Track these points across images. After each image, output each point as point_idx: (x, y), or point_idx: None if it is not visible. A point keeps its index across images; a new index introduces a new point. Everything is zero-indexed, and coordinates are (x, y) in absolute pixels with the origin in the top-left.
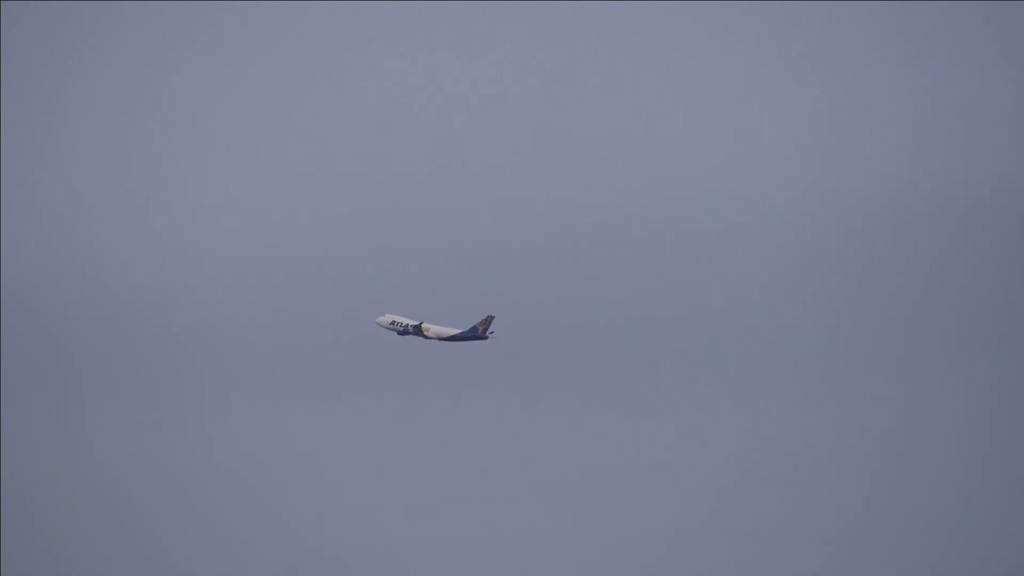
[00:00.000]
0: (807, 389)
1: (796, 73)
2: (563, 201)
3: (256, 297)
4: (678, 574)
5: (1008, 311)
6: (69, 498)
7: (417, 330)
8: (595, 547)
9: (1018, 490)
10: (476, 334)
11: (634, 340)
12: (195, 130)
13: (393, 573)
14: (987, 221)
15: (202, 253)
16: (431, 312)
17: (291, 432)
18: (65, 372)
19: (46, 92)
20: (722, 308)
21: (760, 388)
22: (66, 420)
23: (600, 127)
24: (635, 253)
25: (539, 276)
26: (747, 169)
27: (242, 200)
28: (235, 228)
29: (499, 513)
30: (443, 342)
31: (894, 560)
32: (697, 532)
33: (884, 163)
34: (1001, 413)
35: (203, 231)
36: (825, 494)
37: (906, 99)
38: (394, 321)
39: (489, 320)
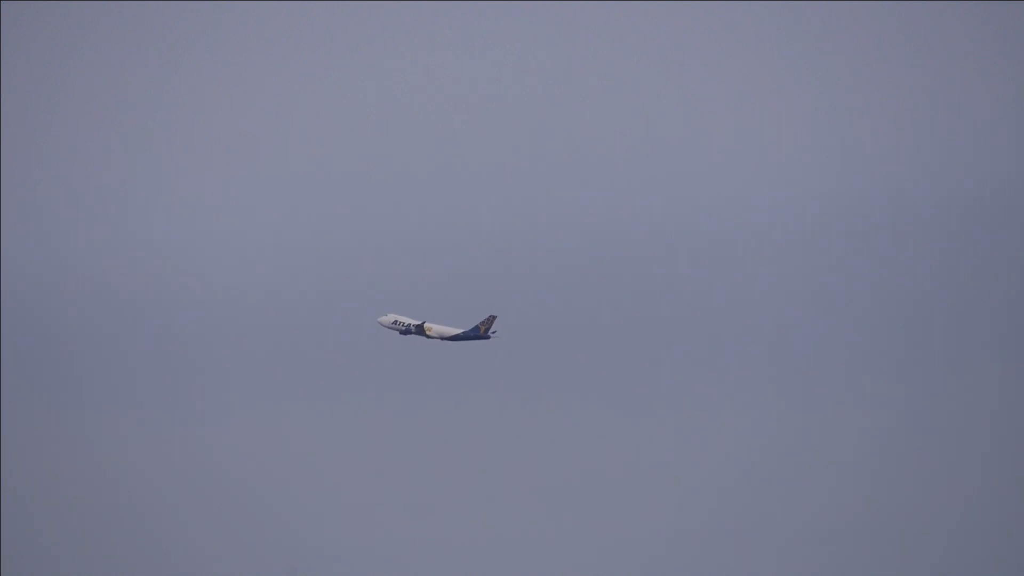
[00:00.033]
0: (808, 389)
1: (796, 73)
2: (564, 201)
3: (257, 297)
4: (678, 574)
5: (1008, 311)
6: (69, 498)
7: (419, 330)
8: (596, 547)
9: (1018, 490)
10: (478, 334)
11: (635, 340)
12: (195, 130)
13: (393, 573)
14: (987, 221)
15: (202, 253)
16: (433, 312)
17: (292, 432)
18: (65, 372)
19: (46, 92)
20: (723, 308)
21: (761, 388)
22: (66, 420)
23: (600, 127)
24: (636, 253)
25: (540, 276)
26: (747, 169)
27: (242, 200)
28: (235, 228)
29: (500, 513)
30: (445, 342)
31: (894, 560)
32: (698, 532)
33: (884, 163)
34: (1001, 413)
35: (203, 231)
36: (825, 494)
37: (906, 99)
38: (396, 321)
39: (491, 320)
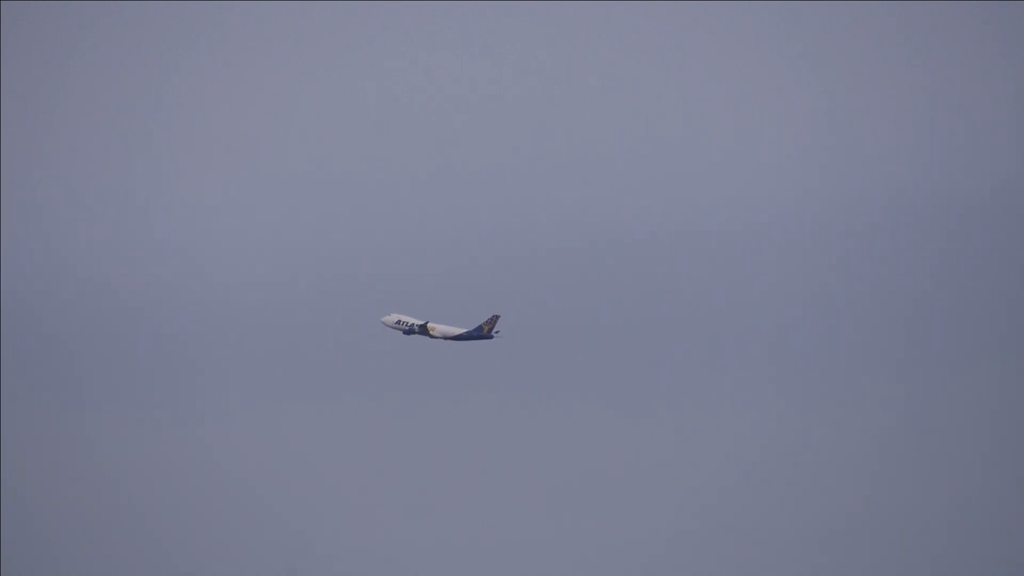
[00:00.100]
0: (808, 389)
1: (796, 73)
2: (564, 201)
3: (257, 297)
4: (678, 574)
5: (1008, 311)
6: (69, 498)
7: (423, 329)
8: (596, 547)
9: (1018, 490)
10: (481, 333)
11: (637, 340)
12: (195, 130)
13: (393, 573)
14: (987, 221)
15: (202, 253)
16: (436, 311)
17: (293, 432)
18: (65, 373)
19: (46, 92)
20: (723, 308)
21: (761, 388)
22: (66, 420)
23: (600, 127)
24: (636, 253)
25: (542, 276)
26: (747, 169)
27: (243, 200)
28: (236, 228)
29: (501, 513)
30: (449, 341)
31: (894, 560)
32: (698, 532)
33: (884, 163)
34: (1001, 413)
35: (203, 231)
36: (825, 494)
37: (906, 99)
38: (399, 320)
39: (494, 319)
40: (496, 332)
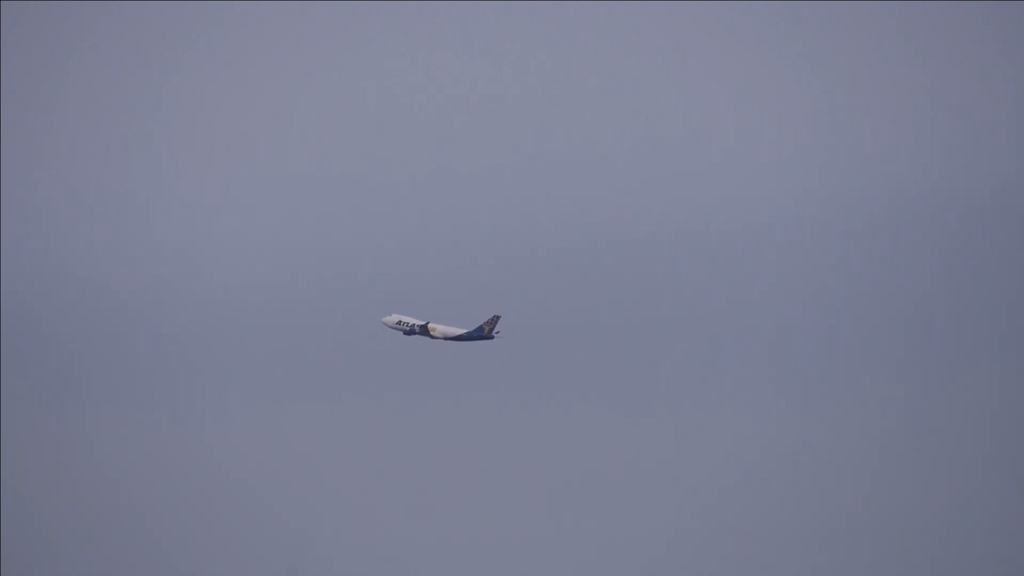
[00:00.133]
0: (808, 389)
1: (796, 73)
2: (564, 201)
3: (258, 297)
4: (678, 574)
5: (1008, 311)
6: (69, 498)
7: (423, 330)
8: (596, 547)
9: (1018, 490)
10: (482, 334)
11: (637, 340)
12: (195, 130)
13: (393, 573)
14: (987, 221)
15: (202, 253)
16: (437, 312)
17: (296, 432)
18: (65, 372)
19: (46, 92)
20: (723, 308)
21: (761, 388)
22: (66, 420)
23: (600, 127)
24: (636, 253)
25: (543, 276)
26: (747, 169)
27: (243, 200)
28: (236, 228)
29: (502, 513)
30: (449, 342)
31: (894, 560)
32: (698, 532)
33: (884, 163)
34: (1001, 413)
35: (203, 231)
36: (825, 494)
37: (906, 99)
38: (400, 321)
39: (495, 320)
40: (497, 332)
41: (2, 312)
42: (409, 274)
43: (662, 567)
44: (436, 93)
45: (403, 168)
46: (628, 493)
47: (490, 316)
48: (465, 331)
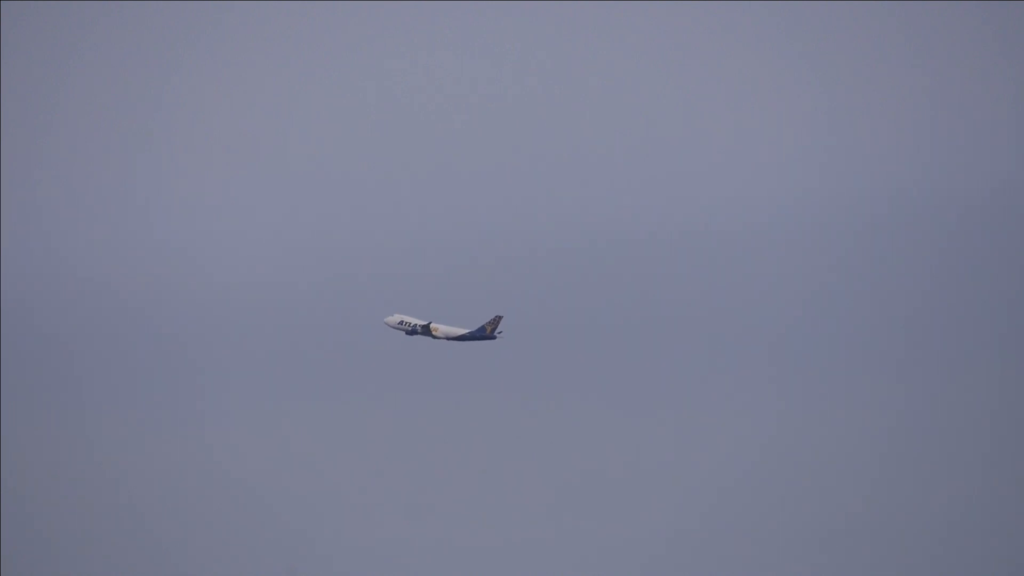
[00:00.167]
0: (808, 389)
1: (796, 73)
2: (564, 201)
3: (258, 297)
4: (678, 574)
5: (1008, 311)
6: (69, 498)
7: (425, 330)
8: (596, 547)
9: (1018, 490)
10: (484, 334)
11: (637, 340)
12: (195, 130)
13: (393, 573)
14: (987, 221)
15: (202, 253)
16: (439, 312)
17: (296, 432)
18: (65, 372)
19: (46, 92)
20: (723, 308)
21: (761, 388)
22: (66, 420)
23: (600, 127)
24: (636, 253)
25: (544, 276)
26: (747, 169)
27: (243, 200)
28: (236, 228)
29: (502, 513)
30: (451, 342)
31: (894, 560)
32: (698, 532)
33: (884, 163)
34: (1001, 413)
35: (203, 231)
36: (825, 494)
37: (906, 99)
38: (402, 321)
39: (497, 320)
40: (499, 333)
41: (2, 312)
42: (411, 274)
43: (662, 567)
44: (436, 93)
45: (404, 168)
46: (628, 493)
47: (492, 316)
48: (467, 331)
